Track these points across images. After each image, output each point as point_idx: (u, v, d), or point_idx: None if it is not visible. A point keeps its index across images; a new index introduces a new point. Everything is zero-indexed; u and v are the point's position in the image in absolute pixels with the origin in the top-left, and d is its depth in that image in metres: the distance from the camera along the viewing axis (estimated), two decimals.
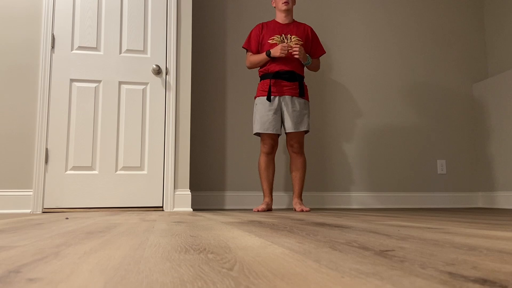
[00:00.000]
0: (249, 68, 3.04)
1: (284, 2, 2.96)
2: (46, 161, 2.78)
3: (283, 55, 2.79)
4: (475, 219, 1.71)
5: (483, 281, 0.46)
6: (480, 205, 3.97)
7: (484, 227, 1.26)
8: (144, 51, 3.01)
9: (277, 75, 2.88)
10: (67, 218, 1.85)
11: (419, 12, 4.13)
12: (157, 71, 2.95)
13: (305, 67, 3.10)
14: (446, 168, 3.96)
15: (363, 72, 3.93)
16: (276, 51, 2.82)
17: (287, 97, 2.89)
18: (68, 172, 2.80)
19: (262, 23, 3.06)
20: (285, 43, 2.86)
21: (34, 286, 0.45)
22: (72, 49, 2.91)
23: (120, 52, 2.98)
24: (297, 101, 2.89)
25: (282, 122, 2.93)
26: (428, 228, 1.24)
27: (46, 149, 2.79)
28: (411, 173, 3.89)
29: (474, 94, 4.11)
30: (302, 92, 2.88)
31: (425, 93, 4.03)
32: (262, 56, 2.90)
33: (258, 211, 2.73)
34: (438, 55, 4.11)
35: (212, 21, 3.70)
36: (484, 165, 3.93)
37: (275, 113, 2.88)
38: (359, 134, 3.84)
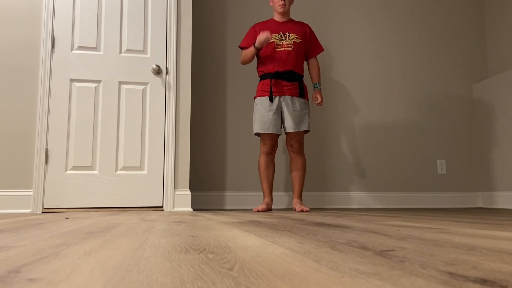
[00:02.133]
0: (242, 63, 2.99)
1: (281, 5, 2.96)
2: (46, 161, 2.78)
3: (262, 41, 2.73)
4: (475, 219, 1.71)
5: (483, 281, 0.46)
6: (480, 205, 3.97)
7: (484, 227, 1.26)
8: (144, 51, 3.01)
9: (277, 75, 2.88)
10: (67, 218, 1.85)
11: (419, 12, 4.13)
12: (157, 71, 2.95)
13: (305, 67, 3.10)
14: (446, 168, 3.96)
15: (363, 71, 3.93)
16: (258, 40, 2.76)
17: (287, 97, 2.89)
18: (68, 172, 2.80)
19: (259, 22, 3.07)
20: (267, 36, 2.76)
21: (34, 286, 0.45)
22: (72, 49, 2.91)
23: (120, 52, 2.98)
24: (297, 101, 2.90)
25: (282, 122, 2.93)
26: (428, 228, 1.24)
27: (46, 149, 2.79)
28: (411, 173, 3.89)
29: (474, 94, 4.11)
30: (302, 92, 2.89)
31: (425, 93, 4.03)
32: (250, 48, 2.89)
33: (258, 211, 2.73)
34: (438, 55, 4.11)
35: (212, 21, 3.70)
36: (484, 165, 3.93)
37: (275, 113, 2.88)
38: (359, 134, 3.84)
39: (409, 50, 4.05)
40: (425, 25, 4.12)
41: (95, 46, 2.95)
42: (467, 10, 4.24)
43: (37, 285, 0.45)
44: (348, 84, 3.88)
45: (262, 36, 2.75)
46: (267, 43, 2.78)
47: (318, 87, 2.98)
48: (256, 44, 2.80)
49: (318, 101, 2.96)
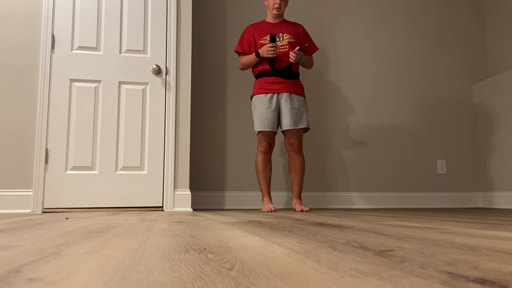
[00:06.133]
0: (241, 69, 3.05)
1: (276, 8, 2.96)
2: (46, 161, 2.78)
3: (270, 55, 2.81)
4: (475, 219, 1.71)
5: (483, 281, 0.46)
6: (480, 205, 3.97)
7: (484, 227, 1.26)
8: (144, 51, 3.01)
9: (274, 73, 2.89)
10: (67, 218, 1.85)
11: (419, 12, 4.13)
12: (157, 71, 2.95)
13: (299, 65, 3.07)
14: (446, 168, 3.96)
15: (363, 71, 3.93)
16: (263, 52, 2.83)
17: (285, 94, 2.89)
18: (68, 172, 2.80)
19: (252, 24, 3.06)
20: (273, 43, 2.82)
21: (34, 286, 0.45)
22: (72, 49, 2.91)
23: (120, 52, 2.98)
24: (296, 98, 2.90)
25: (279, 120, 2.93)
26: (428, 228, 1.24)
27: (46, 149, 2.79)
28: (411, 173, 3.89)
29: (474, 94, 4.11)
30: (300, 90, 2.90)
31: (425, 93, 4.03)
32: (252, 57, 2.93)
33: (270, 211, 2.73)
34: (438, 55, 4.11)
35: (212, 21, 3.70)
36: (484, 165, 3.93)
37: (273, 110, 2.89)
38: (359, 134, 3.84)
39: (409, 50, 4.05)
40: (425, 25, 4.12)
41: (95, 46, 2.95)
42: (467, 10, 4.24)
43: (37, 285, 0.45)
44: (347, 85, 3.88)
45: (264, 51, 2.80)
46: (270, 56, 2.82)
47: (303, 57, 2.90)
48: (261, 54, 2.84)
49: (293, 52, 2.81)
